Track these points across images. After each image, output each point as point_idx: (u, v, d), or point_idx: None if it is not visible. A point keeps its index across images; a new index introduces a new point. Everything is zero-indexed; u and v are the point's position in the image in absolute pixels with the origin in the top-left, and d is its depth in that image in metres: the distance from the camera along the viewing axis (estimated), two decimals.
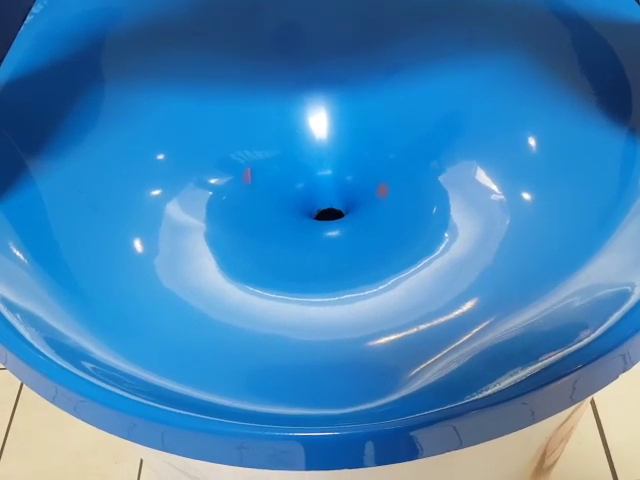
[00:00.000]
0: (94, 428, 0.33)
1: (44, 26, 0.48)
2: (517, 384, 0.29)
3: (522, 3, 0.48)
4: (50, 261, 0.37)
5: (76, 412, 0.33)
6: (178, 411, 0.31)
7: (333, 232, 0.43)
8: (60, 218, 0.39)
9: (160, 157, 0.44)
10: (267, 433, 0.29)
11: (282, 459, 0.30)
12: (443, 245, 0.38)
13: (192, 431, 0.30)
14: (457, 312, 0.34)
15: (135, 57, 0.48)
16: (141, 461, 0.72)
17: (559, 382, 0.29)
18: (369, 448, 0.29)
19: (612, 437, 0.69)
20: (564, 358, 0.30)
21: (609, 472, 0.67)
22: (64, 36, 0.48)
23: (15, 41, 0.45)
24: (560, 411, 0.31)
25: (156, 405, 0.31)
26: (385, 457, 0.30)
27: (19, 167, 0.41)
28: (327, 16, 0.50)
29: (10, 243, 0.37)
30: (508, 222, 0.38)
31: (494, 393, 0.29)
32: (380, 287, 0.36)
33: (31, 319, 0.34)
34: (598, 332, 0.31)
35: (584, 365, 0.29)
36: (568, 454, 0.66)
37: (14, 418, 0.75)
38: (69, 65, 0.46)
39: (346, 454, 0.30)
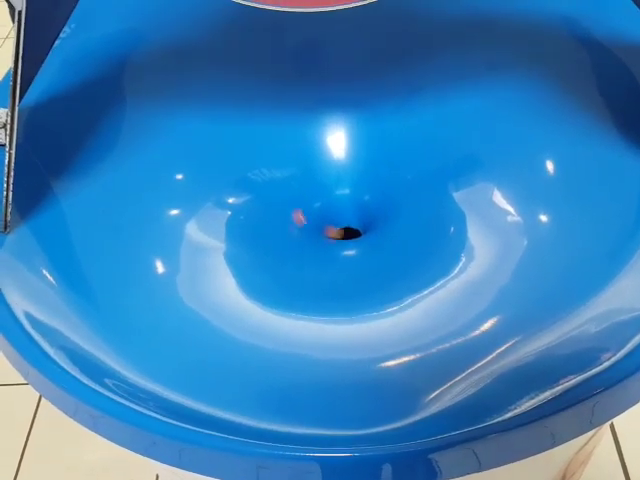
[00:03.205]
0: (110, 445, 0.33)
1: (70, 50, 0.49)
2: (537, 407, 0.29)
3: (542, 27, 0.48)
4: (73, 279, 0.38)
5: (96, 428, 0.33)
6: (197, 429, 0.31)
7: (351, 251, 0.43)
8: (83, 237, 0.40)
9: (179, 177, 0.45)
10: (286, 453, 0.29)
11: (300, 479, 0.30)
12: (460, 266, 0.38)
13: (211, 449, 0.30)
14: (475, 333, 0.34)
15: (156, 79, 0.48)
16: (157, 477, 0.72)
17: (580, 406, 0.29)
18: (387, 470, 0.29)
19: (631, 462, 0.68)
20: (585, 381, 0.30)
21: None
22: (89, 60, 0.49)
23: (43, 65, 0.46)
24: (581, 434, 0.31)
25: (175, 423, 0.31)
26: (403, 479, 0.30)
27: (44, 187, 0.42)
28: (347, 38, 0.51)
29: (35, 261, 0.38)
30: (525, 244, 0.38)
31: (514, 416, 0.29)
32: (398, 307, 0.36)
33: (54, 336, 0.35)
34: (619, 355, 0.31)
35: (605, 389, 0.29)
36: (587, 476, 0.65)
37: (31, 435, 0.75)
38: (93, 88, 0.47)
39: (364, 476, 0.30)
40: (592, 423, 0.30)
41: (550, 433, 0.29)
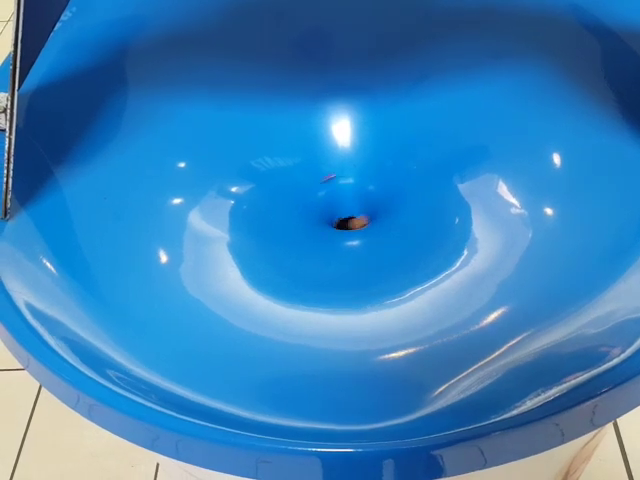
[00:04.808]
0: None
1: (71, 34, 0.48)
2: (544, 405, 0.29)
3: (549, 14, 0.47)
4: (75, 268, 0.37)
5: (96, 419, 0.33)
6: (198, 422, 0.30)
7: (354, 242, 0.43)
8: (85, 225, 0.39)
9: (182, 165, 0.44)
10: (287, 447, 0.29)
11: (300, 474, 0.30)
12: (464, 258, 0.37)
13: (211, 442, 0.30)
14: (480, 328, 0.34)
15: (159, 65, 0.48)
16: (157, 465, 0.73)
17: (588, 403, 0.29)
18: (389, 466, 0.29)
19: (633, 454, 0.68)
20: (593, 379, 0.29)
21: None
22: (90, 44, 0.48)
23: (44, 49, 0.45)
24: (589, 432, 0.30)
25: (176, 415, 0.31)
26: (406, 476, 0.29)
27: (45, 174, 0.41)
28: (352, 24, 0.50)
29: (36, 249, 0.37)
30: (530, 237, 0.38)
31: (521, 414, 0.29)
32: (402, 298, 0.36)
33: (54, 325, 0.34)
34: (627, 352, 0.30)
35: (614, 386, 0.29)
36: (589, 470, 0.65)
37: (32, 419, 0.76)
38: (94, 73, 0.46)
39: (366, 472, 0.29)
40: (600, 421, 0.30)
41: (557, 431, 0.29)
